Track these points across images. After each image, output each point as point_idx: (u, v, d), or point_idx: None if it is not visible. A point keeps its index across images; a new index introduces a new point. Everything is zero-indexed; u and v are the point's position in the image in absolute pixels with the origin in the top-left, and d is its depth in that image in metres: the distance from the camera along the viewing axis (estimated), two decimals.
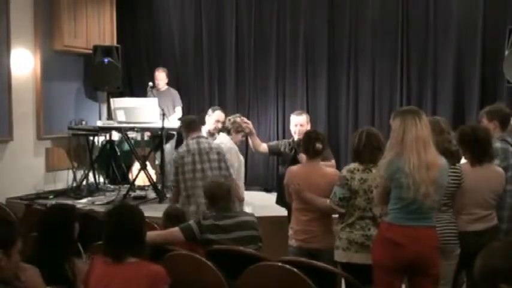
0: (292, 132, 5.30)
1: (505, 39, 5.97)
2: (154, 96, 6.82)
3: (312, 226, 3.88)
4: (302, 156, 4.52)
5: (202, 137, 4.90)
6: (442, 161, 3.20)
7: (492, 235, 3.54)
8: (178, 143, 7.47)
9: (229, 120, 5.20)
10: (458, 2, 6.60)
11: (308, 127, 5.20)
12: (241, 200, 4.89)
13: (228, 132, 5.12)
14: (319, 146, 3.92)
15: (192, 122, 4.98)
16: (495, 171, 3.63)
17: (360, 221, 3.55)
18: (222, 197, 3.77)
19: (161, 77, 7.42)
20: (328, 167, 4.16)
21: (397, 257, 3.12)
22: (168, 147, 7.10)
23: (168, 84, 7.55)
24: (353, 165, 3.61)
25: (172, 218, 3.89)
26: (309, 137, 4.01)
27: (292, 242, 4.00)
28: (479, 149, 3.59)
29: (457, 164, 3.55)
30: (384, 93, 7.03)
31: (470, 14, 6.52)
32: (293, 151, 5.12)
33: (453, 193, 3.47)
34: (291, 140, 5.30)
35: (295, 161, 4.67)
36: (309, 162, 4.02)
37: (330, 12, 7.26)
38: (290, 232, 4.05)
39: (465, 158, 3.67)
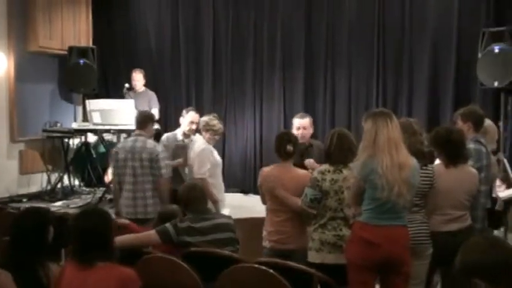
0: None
1: (478, 42, 6.08)
2: (131, 98, 6.77)
3: (286, 227, 3.91)
4: (309, 162, 4.57)
5: (143, 135, 4.87)
6: (413, 161, 3.27)
7: (466, 235, 3.56)
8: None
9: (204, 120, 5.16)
10: (433, 5, 6.70)
11: (311, 130, 5.02)
12: (214, 202, 4.83)
13: (207, 132, 5.06)
14: (290, 148, 3.94)
15: (137, 119, 4.98)
16: (469, 172, 3.68)
17: (331, 222, 3.58)
18: (196, 199, 3.76)
19: (138, 78, 7.38)
20: (299, 169, 4.12)
21: (371, 256, 3.19)
22: None
23: (145, 85, 7.50)
24: (324, 167, 3.66)
25: (164, 219, 3.84)
26: (280, 139, 4.03)
27: (266, 243, 4.04)
28: (453, 150, 3.64)
29: (430, 165, 3.59)
30: (361, 95, 7.09)
31: (444, 17, 6.63)
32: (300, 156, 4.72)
33: (425, 194, 3.52)
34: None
35: (302, 167, 4.36)
36: (281, 164, 4.02)
37: (306, 15, 7.30)
38: (264, 233, 4.08)
39: (440, 159, 3.72)
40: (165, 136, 5.79)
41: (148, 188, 4.80)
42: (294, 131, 4.79)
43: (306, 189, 3.67)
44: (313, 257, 3.62)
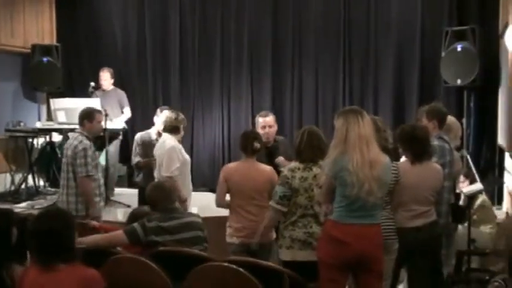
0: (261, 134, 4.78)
1: (442, 41, 6.21)
2: (99, 97, 6.67)
3: (253, 221, 3.99)
4: (279, 160, 4.65)
5: (81, 133, 4.83)
6: (385, 158, 3.27)
7: (430, 230, 3.66)
8: (123, 144, 7.38)
9: (176, 119, 5.08)
10: (398, 4, 6.81)
11: (276, 127, 5.01)
12: (182, 201, 4.74)
13: (177, 130, 4.99)
14: (257, 145, 4.09)
15: (79, 115, 4.93)
16: (434, 169, 3.75)
17: (302, 219, 3.59)
18: (163, 198, 3.74)
19: (105, 77, 7.25)
20: (264, 164, 4.20)
21: (341, 254, 3.18)
22: (112, 148, 6.97)
23: (114, 84, 7.38)
24: (294, 164, 3.66)
25: (134, 220, 3.78)
26: (247, 136, 4.16)
27: (234, 240, 4.08)
28: (418, 147, 3.70)
29: (394, 162, 3.63)
30: (327, 93, 7.17)
31: (408, 17, 6.76)
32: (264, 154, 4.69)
33: (390, 190, 3.56)
34: None
35: (272, 165, 4.41)
36: (247, 159, 4.13)
37: (273, 15, 7.33)
38: (229, 230, 4.13)
39: (405, 156, 3.78)
40: (138, 135, 5.72)
41: (72, 186, 4.77)
42: (259, 130, 4.79)
43: (276, 187, 3.68)
44: (284, 254, 3.63)
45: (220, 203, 4.23)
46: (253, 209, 4.03)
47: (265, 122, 4.91)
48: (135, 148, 5.63)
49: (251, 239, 3.96)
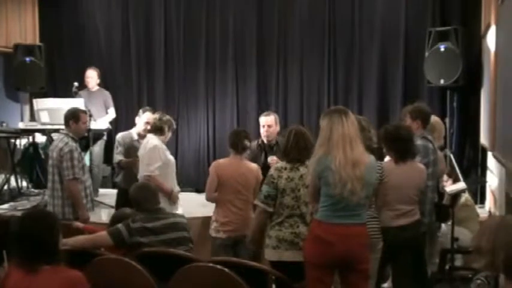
0: (261, 133, 5.18)
1: (425, 41, 6.26)
2: (85, 97, 6.62)
3: (239, 215, 4.25)
4: (272, 159, 4.82)
5: (66, 135, 4.77)
6: (369, 158, 3.29)
7: (415, 229, 3.69)
8: (108, 145, 7.33)
9: (160, 119, 5.03)
10: (382, 5, 6.86)
11: (277, 128, 5.14)
12: (168, 193, 4.71)
13: (162, 132, 4.94)
14: (247, 143, 4.36)
15: (65, 116, 4.86)
16: (417, 168, 3.78)
17: (288, 219, 3.58)
18: (147, 198, 3.73)
19: (92, 75, 7.15)
20: (250, 163, 4.47)
21: (327, 254, 3.19)
22: (97, 149, 6.92)
23: (98, 84, 7.32)
24: (281, 164, 3.67)
25: (117, 222, 3.75)
26: (238, 135, 4.42)
27: (221, 234, 4.28)
28: (402, 147, 3.73)
29: (378, 161, 3.65)
30: (312, 92, 7.19)
31: (392, 17, 6.81)
32: (263, 153, 5.05)
33: (375, 189, 3.58)
34: (260, 142, 5.17)
35: (266, 163, 4.81)
36: (236, 156, 4.36)
37: (258, 12, 7.34)
38: (215, 225, 4.29)
39: (389, 156, 3.80)
40: (120, 135, 5.68)
41: (58, 188, 4.71)
42: (260, 129, 5.13)
43: (262, 186, 3.69)
44: (270, 254, 3.62)
45: (210, 197, 4.41)
46: (240, 204, 4.28)
47: (266, 122, 5.11)
48: (116, 147, 5.58)
49: (237, 232, 4.20)
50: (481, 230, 2.50)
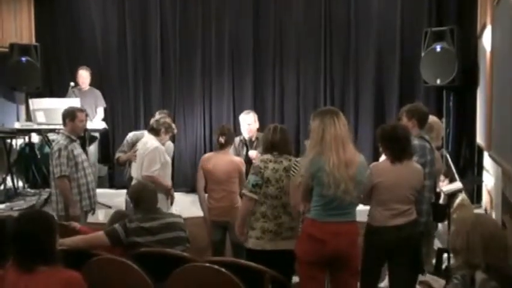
0: (242, 130, 5.57)
1: (421, 41, 6.27)
2: (77, 96, 6.61)
3: (223, 202, 4.62)
4: (252, 153, 5.32)
5: (62, 133, 4.87)
6: (360, 158, 3.37)
7: (411, 229, 3.69)
8: (102, 144, 7.32)
9: (157, 121, 5.04)
10: (378, 5, 6.87)
11: (256, 125, 5.54)
12: (168, 190, 4.88)
13: (157, 133, 4.96)
14: (221, 139, 4.68)
15: (62, 115, 4.92)
16: (414, 168, 3.78)
17: (272, 210, 3.67)
18: (146, 198, 3.73)
19: (84, 75, 7.19)
20: (233, 156, 4.88)
21: (319, 252, 3.27)
22: (92, 149, 6.91)
23: (90, 84, 7.32)
24: (266, 157, 3.76)
25: (118, 221, 3.75)
26: (216, 132, 4.86)
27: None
28: (398, 147, 3.72)
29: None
30: (308, 92, 7.20)
31: (389, 17, 6.83)
32: (245, 148, 5.50)
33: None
34: (242, 138, 5.54)
35: (247, 156, 5.35)
36: (219, 151, 4.75)
37: (254, 13, 7.34)
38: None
39: (385, 155, 3.80)
40: (132, 133, 5.64)
41: (53, 185, 4.86)
42: (242, 126, 5.53)
43: (249, 176, 3.79)
44: (253, 243, 3.71)
45: (197, 188, 4.85)
46: (221, 193, 4.65)
47: (247, 120, 5.51)
48: (123, 145, 5.56)
49: (220, 218, 4.61)
50: (456, 230, 2.66)
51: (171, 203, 4.95)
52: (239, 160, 4.79)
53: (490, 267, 2.42)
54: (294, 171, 3.62)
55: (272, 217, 3.66)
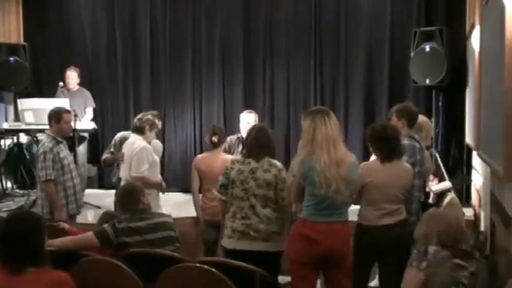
0: (241, 128, 5.55)
1: (410, 41, 6.30)
2: (65, 97, 6.57)
3: (213, 202, 4.46)
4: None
5: (48, 135, 4.80)
6: (351, 157, 3.39)
7: (401, 228, 3.71)
8: (92, 144, 7.27)
9: (139, 119, 5.02)
10: (367, 5, 6.89)
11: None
12: (158, 185, 4.91)
13: (141, 131, 4.95)
14: (214, 139, 4.76)
15: (47, 116, 4.85)
16: (404, 168, 3.80)
17: (239, 210, 3.69)
18: (132, 199, 3.71)
19: (72, 76, 7.14)
20: (227, 155, 4.88)
21: (311, 252, 3.27)
22: (81, 149, 6.86)
23: (79, 84, 7.27)
24: (235, 158, 3.85)
25: (107, 221, 3.73)
26: (209, 132, 4.87)
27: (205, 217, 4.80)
28: (388, 146, 3.74)
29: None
30: (299, 93, 7.21)
31: (378, 17, 6.85)
32: (241, 146, 5.48)
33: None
34: (240, 135, 5.53)
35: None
36: (212, 151, 4.82)
37: (245, 14, 7.33)
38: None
39: (375, 155, 3.82)
40: (120, 134, 5.58)
41: (39, 188, 4.80)
42: (241, 124, 5.52)
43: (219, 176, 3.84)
44: (225, 242, 3.76)
45: (192, 189, 4.89)
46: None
47: (248, 119, 5.53)
48: (111, 146, 5.53)
49: (214, 217, 4.45)
50: (419, 224, 3.26)
51: (163, 192, 5.04)
52: (232, 159, 4.77)
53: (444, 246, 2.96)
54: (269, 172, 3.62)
55: (240, 217, 3.68)
